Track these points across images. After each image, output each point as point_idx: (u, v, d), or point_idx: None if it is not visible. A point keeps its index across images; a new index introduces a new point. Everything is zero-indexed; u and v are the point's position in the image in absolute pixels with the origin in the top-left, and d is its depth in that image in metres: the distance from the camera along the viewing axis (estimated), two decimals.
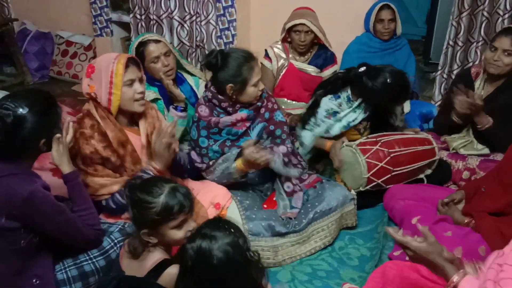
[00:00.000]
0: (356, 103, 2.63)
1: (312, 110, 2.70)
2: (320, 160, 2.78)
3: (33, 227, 1.65)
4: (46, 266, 1.75)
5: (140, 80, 2.11)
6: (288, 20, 3.16)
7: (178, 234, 1.60)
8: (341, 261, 2.26)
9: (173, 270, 1.58)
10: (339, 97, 2.66)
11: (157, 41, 2.61)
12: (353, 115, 2.66)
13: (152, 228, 1.57)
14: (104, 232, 1.88)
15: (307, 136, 2.75)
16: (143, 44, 2.60)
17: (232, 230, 1.29)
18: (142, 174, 2.02)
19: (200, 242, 1.24)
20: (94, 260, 1.83)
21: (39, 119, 1.67)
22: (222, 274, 1.23)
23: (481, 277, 1.38)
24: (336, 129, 2.68)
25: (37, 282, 1.71)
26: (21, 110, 1.63)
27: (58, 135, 1.77)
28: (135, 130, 2.19)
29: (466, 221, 2.12)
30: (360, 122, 2.69)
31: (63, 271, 1.80)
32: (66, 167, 1.83)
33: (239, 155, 2.31)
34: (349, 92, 2.63)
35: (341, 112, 2.65)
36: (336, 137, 2.71)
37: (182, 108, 2.59)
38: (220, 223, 1.30)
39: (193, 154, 2.45)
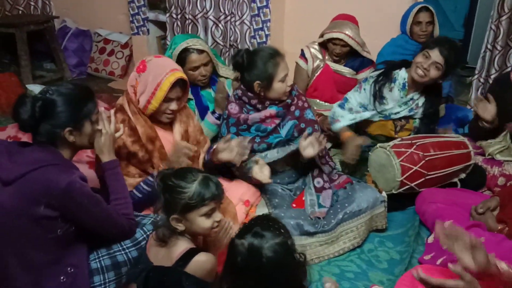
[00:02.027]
0: (406, 98, 2.66)
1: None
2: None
3: (70, 217, 1.70)
4: (81, 255, 1.80)
5: (178, 99, 2.18)
6: (328, 29, 3.15)
7: (206, 223, 1.64)
8: (370, 263, 2.24)
9: (201, 258, 1.61)
10: (395, 80, 2.69)
11: (200, 52, 2.67)
12: (397, 108, 2.70)
13: (182, 214, 1.61)
14: (137, 223, 1.92)
15: (346, 118, 2.76)
16: (186, 51, 2.65)
17: (282, 231, 1.30)
18: (136, 191, 2.09)
19: (252, 239, 1.25)
20: (127, 250, 1.87)
21: (68, 106, 1.71)
22: (269, 273, 1.24)
23: None
24: (376, 117, 2.74)
25: (72, 270, 1.76)
26: (53, 95, 1.70)
27: (99, 127, 1.84)
28: (167, 127, 2.24)
29: (499, 227, 2.07)
30: (399, 119, 2.68)
31: (97, 260, 1.84)
32: (106, 156, 1.89)
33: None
34: (406, 77, 2.65)
35: (388, 104, 2.68)
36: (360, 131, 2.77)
37: (218, 116, 2.64)
38: (270, 222, 1.31)
39: None
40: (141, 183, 2.09)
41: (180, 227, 1.63)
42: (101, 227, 1.78)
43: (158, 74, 2.08)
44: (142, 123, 2.12)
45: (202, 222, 1.63)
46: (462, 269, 1.44)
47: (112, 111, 2.02)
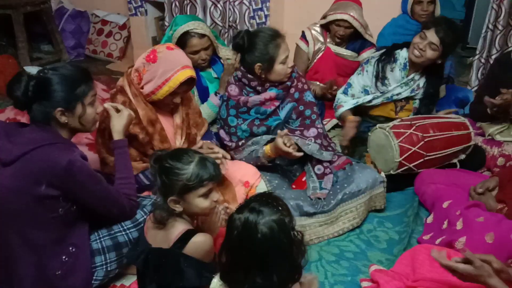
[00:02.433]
0: (407, 78, 2.66)
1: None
2: (350, 141, 2.76)
3: (71, 196, 1.70)
4: (82, 235, 1.81)
5: (183, 93, 2.19)
6: (331, 10, 3.10)
7: (204, 203, 1.64)
8: (369, 243, 2.26)
9: (198, 239, 1.62)
10: (396, 60, 2.68)
11: (202, 36, 2.64)
12: (399, 89, 2.69)
13: (180, 196, 1.61)
14: (138, 204, 1.93)
15: (349, 103, 2.77)
16: (187, 34, 2.61)
17: (280, 208, 1.30)
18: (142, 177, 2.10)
19: (247, 214, 1.27)
20: (127, 231, 1.88)
21: (61, 87, 1.70)
22: (264, 249, 1.25)
23: None
24: (379, 100, 2.74)
25: (73, 250, 1.78)
26: (48, 75, 1.69)
27: (117, 105, 1.93)
28: (167, 110, 2.23)
29: (499, 207, 2.08)
30: (401, 100, 2.69)
31: (98, 241, 1.86)
32: (117, 134, 1.93)
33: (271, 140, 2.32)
34: (407, 57, 2.64)
35: (390, 85, 2.68)
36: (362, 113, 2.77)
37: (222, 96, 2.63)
38: (269, 199, 1.32)
39: (222, 133, 2.47)
40: (149, 170, 2.09)
41: (178, 208, 1.63)
42: (102, 206, 1.79)
43: (168, 69, 2.05)
44: (143, 105, 2.12)
45: (200, 202, 1.64)
46: (472, 254, 1.45)
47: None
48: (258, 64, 2.28)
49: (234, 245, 1.30)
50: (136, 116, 2.08)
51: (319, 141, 2.43)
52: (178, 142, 2.22)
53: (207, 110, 2.65)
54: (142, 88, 2.10)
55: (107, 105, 1.98)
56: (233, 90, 2.41)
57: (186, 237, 1.62)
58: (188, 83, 2.13)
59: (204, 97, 2.74)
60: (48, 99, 1.69)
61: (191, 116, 2.33)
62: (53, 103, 1.69)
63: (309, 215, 2.25)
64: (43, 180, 1.62)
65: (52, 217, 1.69)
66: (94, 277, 1.84)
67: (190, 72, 2.09)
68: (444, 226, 2.13)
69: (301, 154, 2.24)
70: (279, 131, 2.27)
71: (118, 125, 1.95)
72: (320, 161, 2.41)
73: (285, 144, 2.20)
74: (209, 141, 2.30)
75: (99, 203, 1.78)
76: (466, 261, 1.49)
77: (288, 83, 2.41)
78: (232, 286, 1.33)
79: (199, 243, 1.61)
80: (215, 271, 1.43)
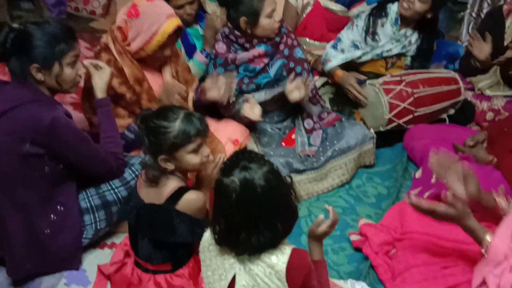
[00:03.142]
0: (399, 34, 2.62)
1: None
2: (340, 98, 2.74)
3: (56, 154, 1.68)
4: (70, 194, 1.80)
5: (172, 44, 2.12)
6: None
7: (194, 159, 1.62)
8: (358, 199, 2.28)
9: (190, 196, 1.61)
10: (387, 15, 2.63)
11: None
12: (389, 45, 2.65)
13: (169, 154, 1.58)
14: (126, 163, 1.91)
15: (338, 58, 2.73)
16: None
17: (262, 159, 1.29)
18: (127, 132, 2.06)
19: (243, 174, 1.24)
20: (116, 190, 1.87)
21: (39, 42, 1.64)
22: (266, 201, 1.24)
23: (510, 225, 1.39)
24: (368, 56, 2.69)
25: (62, 209, 1.77)
26: (28, 29, 1.63)
27: (97, 62, 1.86)
28: (155, 68, 2.18)
29: (490, 158, 2.08)
30: (391, 56, 2.67)
31: (86, 200, 1.85)
32: (100, 92, 1.88)
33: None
34: (397, 11, 2.60)
35: (381, 40, 2.64)
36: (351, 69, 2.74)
37: (208, 54, 2.57)
38: (251, 154, 1.30)
39: None
40: (132, 124, 2.06)
41: (170, 166, 1.61)
42: (88, 165, 1.77)
43: (153, 22, 1.98)
44: (129, 63, 2.06)
45: (191, 159, 1.61)
46: (454, 198, 1.46)
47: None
48: (243, 18, 2.22)
49: (233, 209, 1.25)
50: (122, 74, 2.03)
51: (310, 93, 2.41)
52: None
53: (193, 68, 2.59)
54: (128, 45, 2.04)
55: (86, 62, 1.91)
56: (221, 47, 2.35)
57: (178, 194, 1.61)
58: (176, 32, 2.06)
59: (191, 54, 2.68)
60: (25, 53, 1.63)
61: (181, 73, 2.28)
62: (29, 58, 1.64)
63: (299, 172, 2.25)
64: (27, 138, 1.59)
65: (38, 176, 1.67)
66: (83, 236, 1.85)
67: (176, 22, 2.03)
68: (433, 180, 2.14)
69: (259, 119, 2.24)
70: (245, 95, 2.25)
71: (99, 82, 1.90)
72: (310, 116, 2.40)
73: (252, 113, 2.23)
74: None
75: (86, 162, 1.75)
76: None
77: (277, 39, 2.36)
78: (234, 247, 1.30)
79: (191, 200, 1.61)
80: (207, 227, 1.43)
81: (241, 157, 1.29)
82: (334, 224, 1.50)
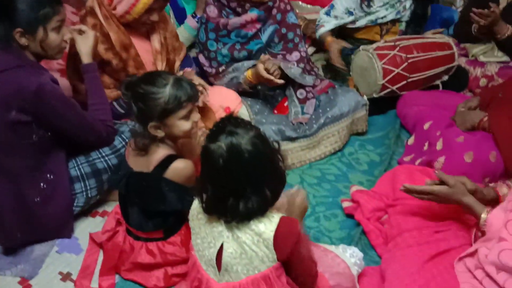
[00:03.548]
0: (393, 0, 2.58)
1: None
2: (333, 65, 2.71)
3: (44, 122, 1.65)
4: (59, 162, 1.78)
5: (160, 8, 2.05)
6: None
7: (185, 125, 1.59)
8: (350, 166, 2.28)
9: (179, 165, 1.59)
10: None
11: None
12: (384, 12, 2.61)
13: (160, 120, 1.56)
14: (115, 131, 1.88)
15: (331, 23, 2.69)
16: None
17: (249, 124, 1.27)
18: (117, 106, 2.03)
19: (229, 139, 1.22)
20: (106, 158, 1.85)
21: (24, 6, 1.59)
22: (253, 166, 1.22)
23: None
24: (363, 22, 2.65)
25: (51, 177, 1.75)
26: None
27: (80, 26, 1.80)
28: (142, 34, 2.12)
29: (484, 118, 2.06)
30: (386, 23, 2.63)
31: (76, 167, 1.83)
32: (86, 58, 1.83)
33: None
34: None
35: (374, 4, 2.60)
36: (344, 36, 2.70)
37: (199, 18, 2.49)
38: (238, 120, 1.28)
39: (201, 58, 2.38)
40: (122, 98, 2.02)
41: (160, 133, 1.58)
42: (77, 132, 1.74)
43: None
44: (115, 29, 1.99)
45: (181, 125, 1.59)
46: (446, 175, 1.47)
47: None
48: None
49: (220, 174, 1.24)
50: (108, 40, 1.98)
51: (302, 65, 2.38)
52: (159, 69, 2.13)
53: (184, 33, 2.54)
54: (114, 9, 1.97)
55: (68, 29, 1.84)
56: (212, 11, 2.29)
57: (166, 162, 1.59)
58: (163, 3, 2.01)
59: (181, 19, 2.62)
60: (8, 17, 1.58)
61: (169, 41, 2.23)
62: (13, 22, 1.59)
63: (291, 139, 2.24)
64: (13, 104, 1.56)
65: (26, 144, 1.65)
66: (74, 204, 1.84)
67: None
68: (425, 147, 2.15)
69: (282, 81, 2.19)
70: (262, 56, 2.20)
71: (84, 47, 1.84)
72: (302, 86, 2.37)
73: (267, 70, 2.14)
74: (189, 69, 2.22)
75: (74, 129, 1.72)
76: (440, 183, 1.52)
77: (270, 3, 2.30)
78: (222, 214, 1.29)
79: (180, 169, 1.60)
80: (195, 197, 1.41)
81: (227, 122, 1.26)
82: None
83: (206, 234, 1.34)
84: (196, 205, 1.38)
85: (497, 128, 1.95)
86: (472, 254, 1.44)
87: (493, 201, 1.56)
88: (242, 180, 1.23)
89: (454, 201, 1.49)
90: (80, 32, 1.86)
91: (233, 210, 1.25)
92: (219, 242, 1.31)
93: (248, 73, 2.24)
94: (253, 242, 1.27)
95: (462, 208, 1.53)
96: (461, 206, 1.52)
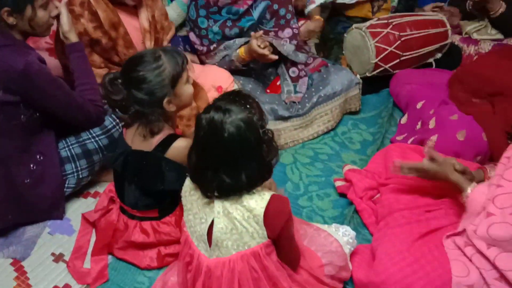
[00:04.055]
0: None
1: None
2: (326, 43, 2.68)
3: (31, 102, 1.63)
4: (48, 143, 1.76)
5: None
6: None
7: (190, 88, 1.63)
8: (343, 145, 2.28)
9: (180, 144, 1.59)
10: None
11: None
12: None
13: (172, 91, 1.55)
14: (105, 111, 1.86)
15: None
16: None
17: (248, 106, 1.25)
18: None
19: (213, 114, 1.22)
20: (97, 138, 1.83)
21: None
22: (232, 148, 1.22)
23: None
24: None
25: (41, 158, 1.74)
26: None
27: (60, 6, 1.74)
28: (131, 11, 2.07)
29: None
30: None
31: (66, 148, 1.81)
32: (74, 37, 1.78)
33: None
34: None
35: None
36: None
37: None
38: (237, 97, 1.27)
39: (192, 36, 2.34)
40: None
41: (172, 107, 1.58)
42: (65, 112, 1.72)
43: None
44: (104, 7, 1.95)
45: (188, 88, 1.62)
46: (435, 152, 1.47)
47: None
48: None
49: (201, 145, 1.27)
50: (96, 19, 1.93)
51: (294, 41, 2.35)
52: (148, 48, 2.10)
53: (176, 8, 2.48)
54: None
55: (55, 3, 1.79)
56: None
57: (168, 141, 1.58)
58: None
59: None
60: None
61: (158, 19, 2.18)
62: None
63: (284, 119, 2.23)
64: (0, 85, 1.53)
65: (14, 125, 1.63)
66: (66, 185, 1.83)
67: None
68: (418, 126, 2.14)
69: (276, 57, 2.16)
70: (252, 33, 2.17)
71: (67, 23, 1.77)
72: (295, 64, 2.34)
73: (259, 46, 2.11)
74: None
75: (62, 109, 1.70)
76: (430, 160, 1.53)
77: None
78: (201, 186, 1.32)
79: (181, 147, 1.59)
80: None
81: (226, 97, 1.27)
82: None
83: (198, 210, 1.35)
84: (188, 181, 1.39)
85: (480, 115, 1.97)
86: (461, 233, 1.46)
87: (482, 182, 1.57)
88: (217, 157, 1.24)
89: (442, 178, 1.50)
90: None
91: (208, 183, 1.27)
92: (210, 218, 1.32)
93: (241, 50, 2.21)
94: (243, 218, 1.28)
95: (452, 188, 1.53)
96: (449, 183, 1.52)
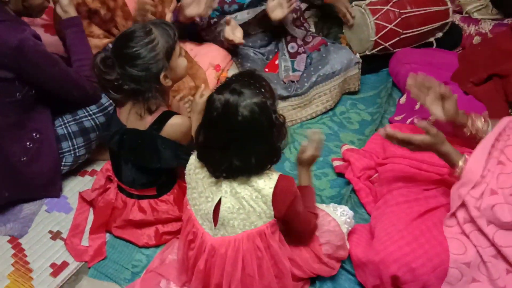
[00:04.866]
0: None
1: None
2: (326, 22, 2.64)
3: (27, 78, 1.61)
4: (44, 120, 1.74)
5: None
6: None
7: (184, 60, 1.61)
8: (341, 125, 2.27)
9: (176, 121, 1.57)
10: None
11: None
12: None
13: (167, 64, 1.52)
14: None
15: None
16: None
17: (263, 90, 1.24)
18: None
19: (228, 96, 1.21)
20: (93, 116, 1.82)
21: None
22: (244, 131, 1.22)
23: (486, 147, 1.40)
24: None
25: (37, 136, 1.72)
26: None
27: None
28: None
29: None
30: None
31: (63, 126, 1.80)
32: (72, 10, 1.76)
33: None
34: None
35: None
36: None
37: None
38: (252, 80, 1.25)
39: None
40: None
41: (168, 82, 1.56)
42: (61, 89, 1.70)
43: None
44: None
45: (182, 61, 1.59)
46: (427, 124, 1.46)
47: None
48: None
49: (212, 125, 1.26)
50: None
51: (294, 15, 2.31)
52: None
53: None
54: None
55: None
56: None
57: (163, 118, 1.56)
58: None
59: None
60: None
61: None
62: None
63: (283, 98, 2.21)
64: None
65: (9, 102, 1.61)
66: (62, 163, 1.82)
67: None
68: (417, 106, 2.13)
69: (241, 41, 2.15)
70: (226, 17, 2.14)
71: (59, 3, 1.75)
72: (294, 39, 2.32)
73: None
74: None
75: (58, 86, 1.68)
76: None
77: None
78: (209, 166, 1.31)
79: (177, 125, 1.57)
80: (191, 153, 1.41)
81: (240, 78, 1.26)
82: (318, 146, 1.51)
83: (204, 189, 1.35)
84: (193, 160, 1.39)
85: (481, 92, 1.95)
86: (461, 207, 1.45)
87: (470, 139, 1.58)
88: (229, 139, 1.24)
89: (433, 150, 1.49)
90: None
91: (217, 164, 1.27)
92: (217, 197, 1.32)
93: (226, 31, 2.18)
94: (251, 198, 1.29)
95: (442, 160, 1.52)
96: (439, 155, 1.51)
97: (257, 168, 1.28)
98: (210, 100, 1.25)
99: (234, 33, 2.16)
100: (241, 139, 1.23)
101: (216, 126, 1.25)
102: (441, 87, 1.59)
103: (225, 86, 1.25)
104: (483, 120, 1.59)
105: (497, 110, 1.86)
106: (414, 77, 1.64)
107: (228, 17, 2.21)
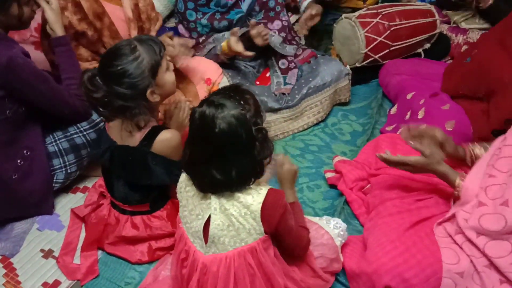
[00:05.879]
0: None
1: None
2: (315, 34, 2.67)
3: (17, 96, 1.61)
4: (35, 137, 1.74)
5: None
6: None
7: (171, 76, 1.60)
8: (333, 136, 2.28)
9: (165, 136, 1.57)
10: None
11: None
12: None
13: (153, 80, 1.52)
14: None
15: None
16: None
17: (243, 102, 1.23)
18: None
19: (205, 108, 1.21)
20: (84, 132, 1.81)
21: None
22: (221, 144, 1.21)
23: (482, 166, 1.41)
24: None
25: (28, 153, 1.71)
26: None
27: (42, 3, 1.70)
28: (114, 1, 2.04)
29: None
30: None
31: (54, 143, 1.79)
32: (60, 30, 1.75)
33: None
34: None
35: None
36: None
37: None
38: (233, 93, 1.24)
39: (181, 28, 2.32)
40: None
41: (156, 98, 1.56)
42: (51, 106, 1.70)
43: None
44: None
45: (169, 77, 1.59)
46: (422, 145, 1.47)
47: None
48: None
49: (193, 139, 1.27)
50: (81, 10, 1.90)
51: (283, 34, 2.33)
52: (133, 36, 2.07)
53: (163, 1, 2.45)
54: None
55: None
56: None
57: (152, 134, 1.56)
58: None
59: None
60: None
61: (143, 8, 2.15)
62: None
63: (274, 111, 2.22)
64: None
65: (0, 120, 1.60)
66: (54, 180, 1.81)
67: None
68: (407, 117, 2.14)
69: (252, 54, 2.15)
70: (233, 29, 2.15)
71: (52, 16, 1.75)
72: (284, 56, 2.33)
73: (258, 34, 2.09)
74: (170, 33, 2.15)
75: (48, 103, 1.68)
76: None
77: None
78: (195, 180, 1.31)
79: (166, 140, 1.57)
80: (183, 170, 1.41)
81: (222, 92, 1.26)
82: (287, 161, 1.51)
83: (194, 206, 1.34)
84: (184, 177, 1.38)
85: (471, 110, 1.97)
86: (451, 219, 1.46)
87: (464, 160, 1.59)
88: (208, 152, 1.23)
89: (430, 170, 1.50)
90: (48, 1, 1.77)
91: (201, 177, 1.27)
92: (206, 214, 1.31)
93: (224, 45, 2.19)
94: (240, 214, 1.27)
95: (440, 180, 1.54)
96: (436, 175, 1.53)
97: (239, 183, 1.26)
98: (191, 113, 1.26)
99: (237, 44, 2.14)
100: (220, 152, 1.22)
101: (196, 139, 1.25)
102: (438, 134, 1.56)
103: (206, 99, 1.25)
104: (480, 147, 1.60)
105: (480, 131, 1.88)
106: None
107: (235, 28, 2.22)
